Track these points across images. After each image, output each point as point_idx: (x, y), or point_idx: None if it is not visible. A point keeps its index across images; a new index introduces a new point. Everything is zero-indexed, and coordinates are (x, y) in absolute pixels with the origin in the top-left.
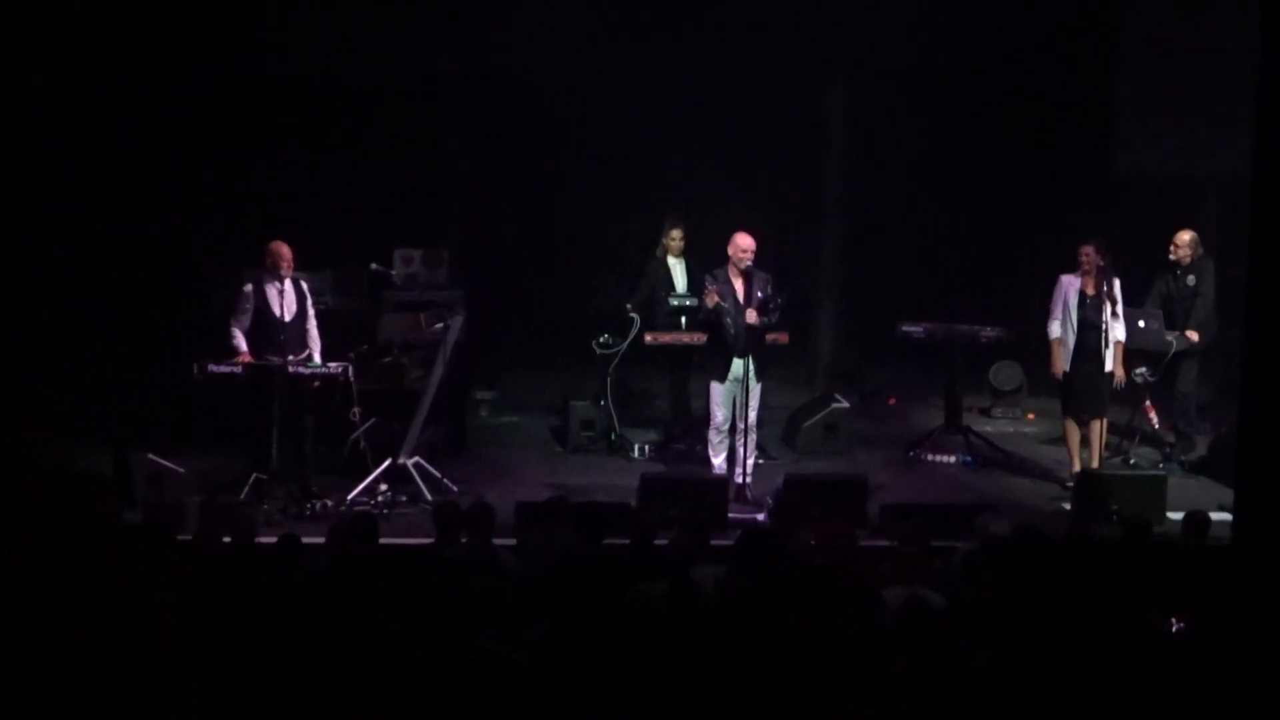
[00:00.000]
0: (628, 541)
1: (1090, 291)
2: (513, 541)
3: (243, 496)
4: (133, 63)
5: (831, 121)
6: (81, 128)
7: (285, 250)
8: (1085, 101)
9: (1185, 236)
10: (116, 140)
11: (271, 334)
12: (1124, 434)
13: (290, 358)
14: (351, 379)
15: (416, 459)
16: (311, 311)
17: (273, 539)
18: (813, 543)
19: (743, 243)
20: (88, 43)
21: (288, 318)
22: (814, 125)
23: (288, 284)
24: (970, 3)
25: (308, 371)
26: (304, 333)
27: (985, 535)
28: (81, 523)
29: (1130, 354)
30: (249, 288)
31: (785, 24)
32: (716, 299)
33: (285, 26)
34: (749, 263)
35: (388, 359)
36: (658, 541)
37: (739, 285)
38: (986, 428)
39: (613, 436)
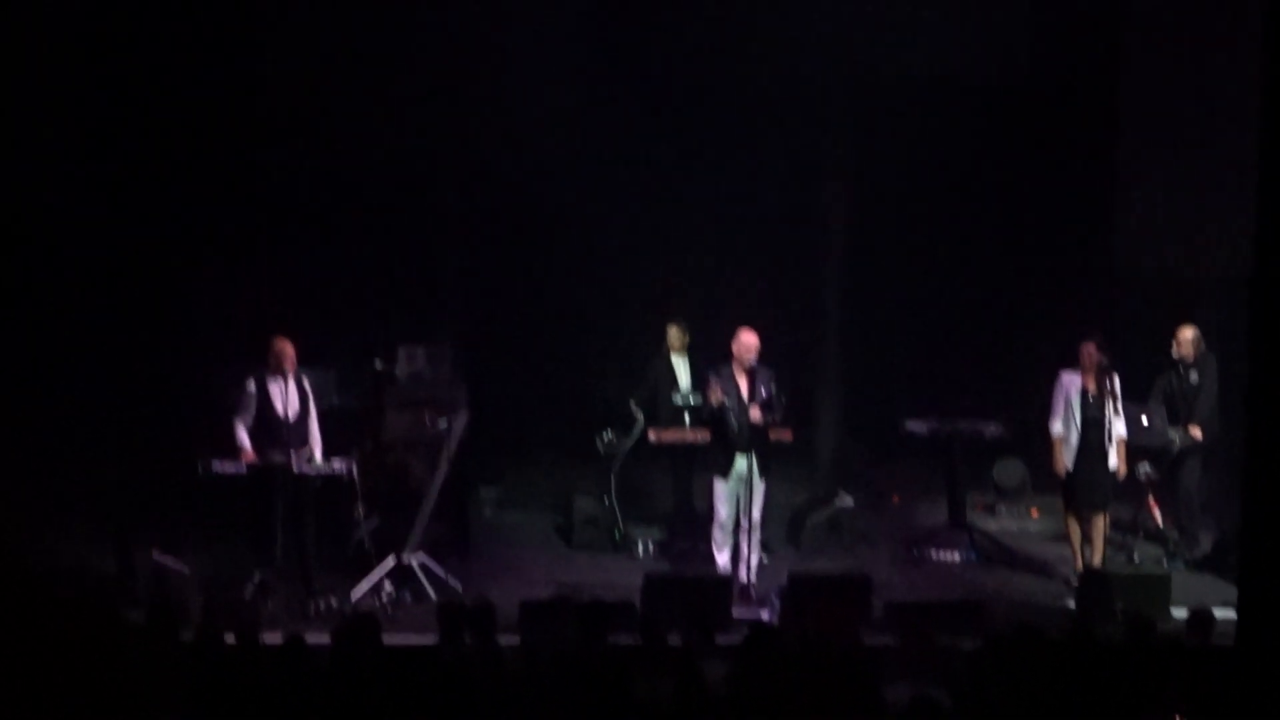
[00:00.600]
0: (632, 640)
1: (1092, 388)
2: (516, 640)
3: (246, 594)
4: (138, 162)
5: (831, 218)
6: (88, 224)
7: (288, 347)
8: (1085, 197)
9: (1188, 333)
10: (121, 238)
11: (274, 431)
12: (1127, 530)
13: (293, 455)
14: (355, 476)
15: (420, 557)
16: (314, 409)
17: (277, 637)
18: (816, 640)
19: (747, 340)
20: (92, 141)
21: (290, 415)
22: (813, 222)
23: (290, 381)
24: (969, 97)
25: (312, 469)
26: (306, 430)
27: (990, 633)
28: (83, 621)
29: (1133, 450)
30: (251, 385)
31: (784, 121)
32: (720, 395)
33: (288, 126)
34: (753, 361)
35: (392, 456)
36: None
37: (743, 382)
38: (990, 524)
39: (617, 534)
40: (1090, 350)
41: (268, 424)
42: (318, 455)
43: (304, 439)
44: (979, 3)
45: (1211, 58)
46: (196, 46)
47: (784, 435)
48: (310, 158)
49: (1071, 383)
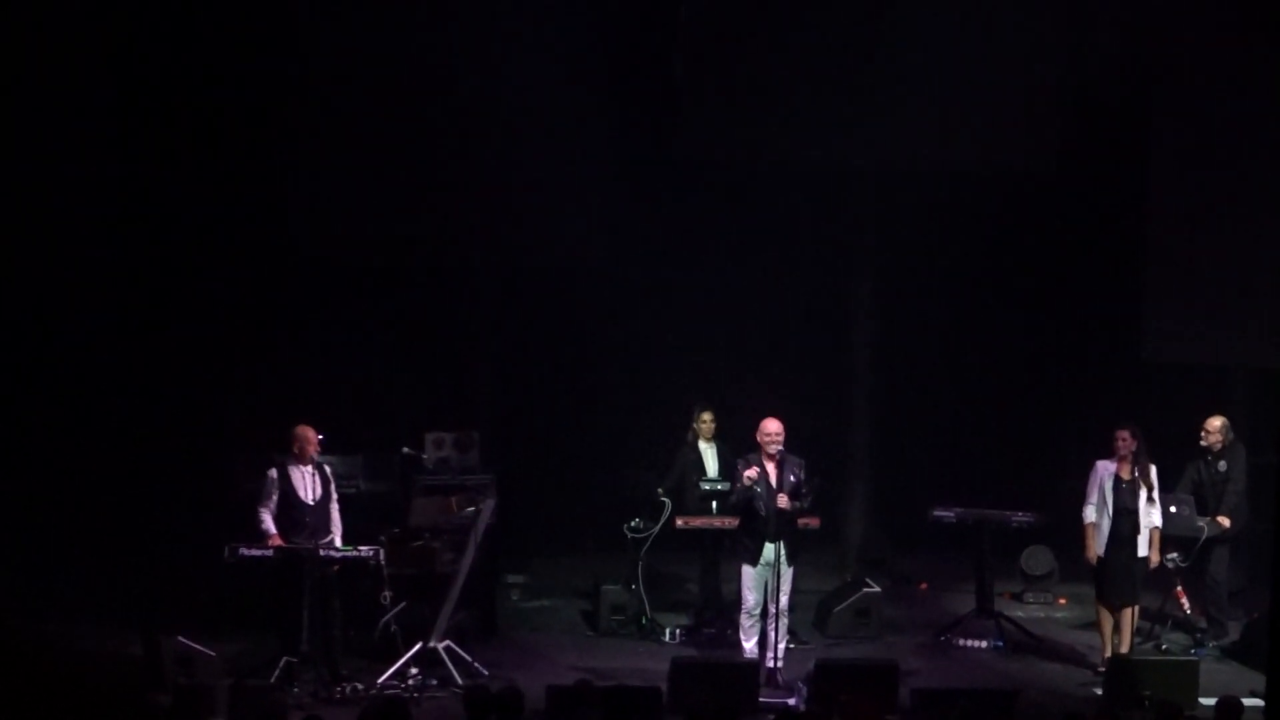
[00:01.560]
0: None
1: (1126, 476)
2: None
3: (273, 680)
4: (167, 244)
5: (860, 307)
6: (116, 311)
7: (310, 434)
8: (1113, 286)
9: (1216, 422)
10: (150, 324)
11: (296, 517)
12: (1155, 619)
13: (317, 541)
14: (382, 562)
15: (447, 642)
16: (334, 495)
17: None
18: None
19: (769, 427)
20: (120, 222)
21: (312, 501)
22: (843, 311)
23: (311, 468)
24: (998, 187)
25: (338, 555)
26: (328, 516)
27: None
28: (112, 706)
29: (1162, 539)
30: (274, 472)
31: (815, 211)
32: (753, 474)
33: (315, 214)
34: (778, 447)
35: (419, 543)
36: None
37: (771, 470)
38: (1018, 613)
39: (644, 620)
40: (1125, 437)
41: (290, 510)
42: (338, 540)
43: (325, 525)
44: (1009, 94)
45: (1241, 146)
46: (229, 123)
47: (812, 523)
48: (340, 244)
49: (1106, 470)
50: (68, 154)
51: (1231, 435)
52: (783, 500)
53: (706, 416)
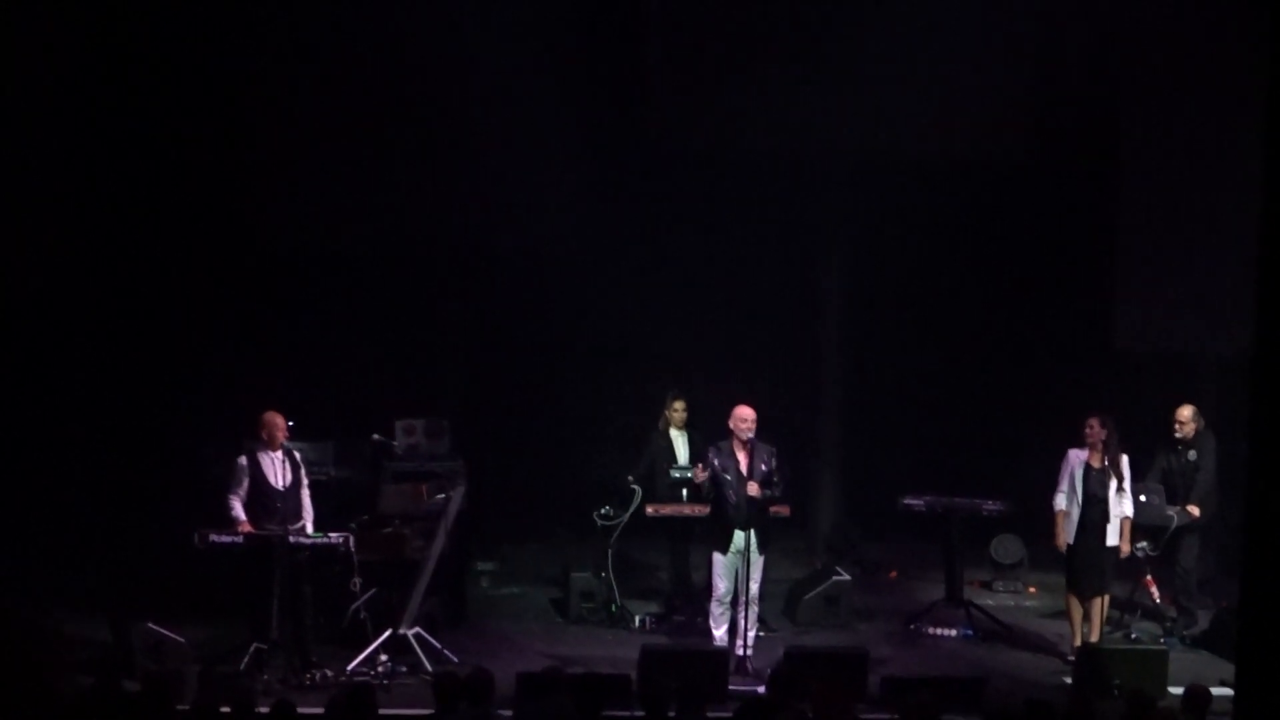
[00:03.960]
0: (628, 713)
1: (1095, 465)
2: (512, 713)
3: (242, 666)
4: (133, 237)
5: (830, 295)
6: (81, 302)
7: (279, 420)
8: (1085, 275)
9: (1187, 411)
10: (116, 313)
11: (267, 504)
12: (1125, 608)
13: (287, 527)
14: (352, 549)
15: (417, 629)
16: (305, 481)
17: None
18: (811, 715)
19: (742, 414)
20: (87, 215)
21: (282, 487)
22: (813, 299)
23: (281, 454)
24: (969, 176)
25: (308, 541)
26: (299, 502)
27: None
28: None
29: (1132, 528)
30: (243, 459)
31: (785, 198)
32: (704, 476)
33: (282, 202)
34: (750, 434)
35: (389, 529)
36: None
37: (742, 458)
38: (988, 601)
39: (613, 608)
40: (1094, 425)
41: (261, 497)
42: (309, 527)
43: (297, 511)
44: (980, 83)
45: (1213, 138)
46: (197, 122)
47: (782, 510)
48: (310, 230)
49: (1077, 459)
50: (38, 139)
51: (1202, 424)
52: (753, 488)
53: (679, 405)
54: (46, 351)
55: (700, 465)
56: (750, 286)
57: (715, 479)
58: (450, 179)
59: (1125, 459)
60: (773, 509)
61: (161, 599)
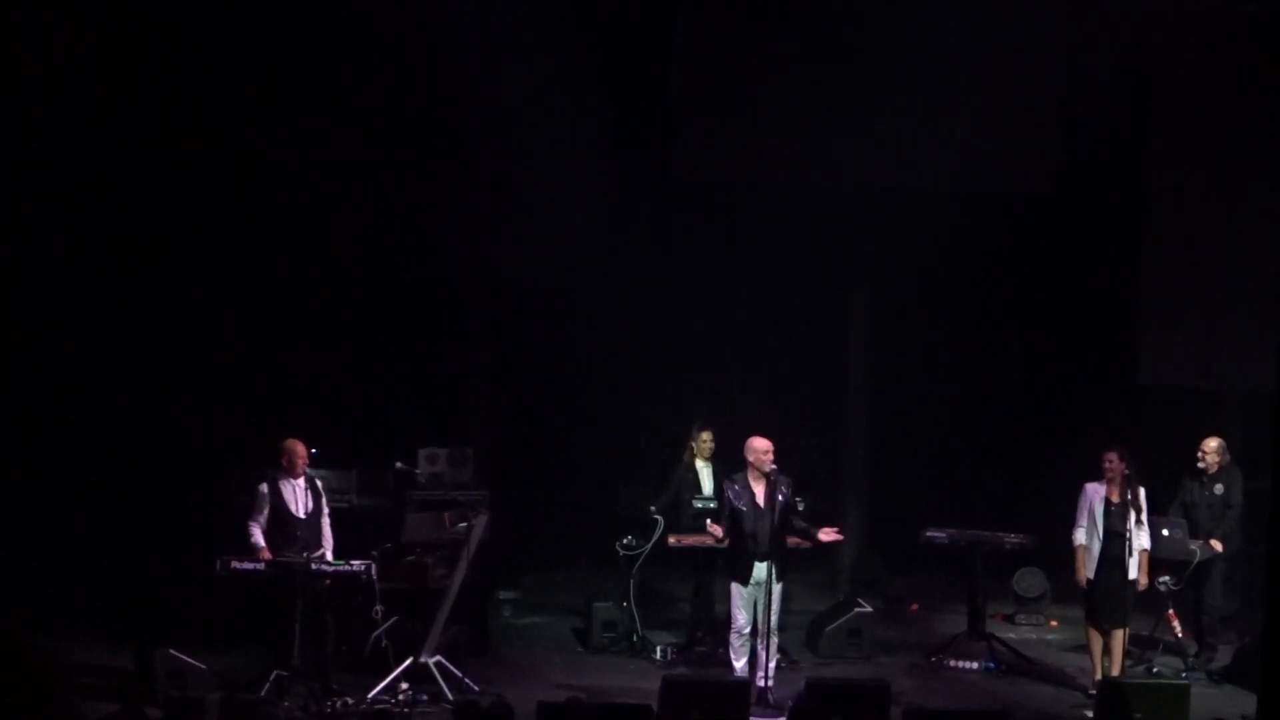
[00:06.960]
0: None
1: (1115, 499)
2: None
3: (264, 693)
4: (160, 262)
5: (855, 327)
6: (109, 329)
7: (300, 448)
8: (1110, 308)
9: (1213, 444)
10: (144, 339)
11: (288, 531)
12: (1147, 642)
13: (308, 555)
14: (375, 577)
15: (438, 658)
16: (326, 509)
17: None
18: None
19: (759, 445)
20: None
21: (303, 515)
22: (838, 331)
23: (303, 481)
24: (994, 209)
25: (330, 569)
26: (319, 530)
27: None
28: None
29: (1154, 562)
30: (265, 487)
31: (811, 232)
32: (719, 535)
33: (310, 232)
34: (769, 465)
35: (411, 558)
36: None
37: (759, 489)
38: (1009, 634)
39: (635, 638)
40: (1112, 459)
41: (281, 524)
42: (329, 554)
43: (317, 539)
44: (1006, 116)
45: (1239, 172)
46: (232, 153)
47: (804, 543)
48: (336, 260)
49: (1095, 493)
50: (69, 166)
51: (1228, 458)
52: (829, 534)
53: (706, 436)
54: (72, 379)
55: (733, 485)
56: (775, 319)
57: (732, 512)
58: (478, 211)
59: (1143, 492)
60: (792, 540)
61: (184, 625)
